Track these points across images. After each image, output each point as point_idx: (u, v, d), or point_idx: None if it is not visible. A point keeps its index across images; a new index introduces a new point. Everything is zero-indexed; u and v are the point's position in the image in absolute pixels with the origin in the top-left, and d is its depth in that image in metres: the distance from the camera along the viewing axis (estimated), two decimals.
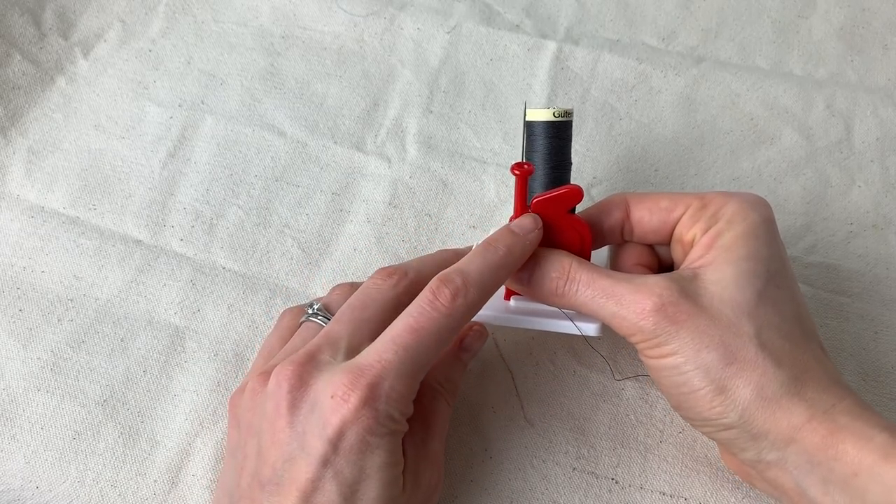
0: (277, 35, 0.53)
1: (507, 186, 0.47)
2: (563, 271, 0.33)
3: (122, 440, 0.38)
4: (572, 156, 0.38)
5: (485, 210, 0.46)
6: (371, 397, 0.29)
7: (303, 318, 0.37)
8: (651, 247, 0.37)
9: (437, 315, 0.31)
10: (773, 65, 0.52)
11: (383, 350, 0.30)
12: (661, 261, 0.38)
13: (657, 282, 0.31)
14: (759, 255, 0.32)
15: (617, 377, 0.39)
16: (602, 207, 0.36)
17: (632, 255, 0.37)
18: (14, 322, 0.41)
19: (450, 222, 0.45)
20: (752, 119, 0.50)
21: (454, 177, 0.47)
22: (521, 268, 0.34)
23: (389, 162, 0.48)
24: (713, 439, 0.34)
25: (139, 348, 0.41)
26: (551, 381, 0.40)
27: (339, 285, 0.38)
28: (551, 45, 0.52)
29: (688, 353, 0.30)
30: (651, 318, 0.31)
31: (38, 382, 0.39)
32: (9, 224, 0.45)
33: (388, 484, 0.30)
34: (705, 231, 0.33)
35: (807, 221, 0.46)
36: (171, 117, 0.49)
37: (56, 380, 0.39)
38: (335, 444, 0.29)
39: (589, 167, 0.48)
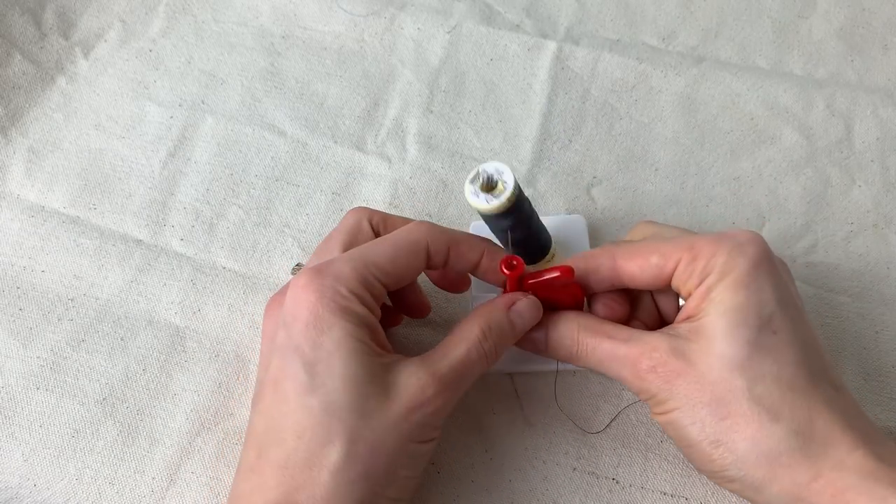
0: (278, 35, 0.53)
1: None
2: (573, 339, 0.34)
3: (121, 438, 0.38)
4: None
5: None
6: (317, 277, 0.31)
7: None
8: (624, 294, 0.37)
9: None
10: (773, 65, 0.52)
11: (337, 257, 0.33)
12: (638, 307, 0.37)
13: (651, 341, 0.32)
14: (748, 303, 0.31)
15: (591, 432, 0.39)
16: (588, 262, 0.35)
17: (602, 310, 0.36)
18: (14, 321, 0.41)
19: (450, 222, 0.45)
20: (752, 119, 0.50)
21: (454, 177, 0.47)
22: (535, 331, 0.35)
23: (390, 162, 0.48)
24: (726, 489, 0.34)
25: (139, 347, 0.41)
26: (551, 382, 0.40)
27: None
28: (551, 45, 0.52)
29: (684, 409, 0.31)
30: (647, 379, 0.32)
31: (37, 381, 0.39)
32: (9, 224, 0.45)
33: (348, 360, 0.30)
34: (698, 285, 0.33)
35: (807, 221, 0.46)
36: (172, 117, 0.49)
37: (55, 378, 0.39)
38: (291, 326, 0.31)
39: (589, 167, 0.48)
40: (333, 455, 0.29)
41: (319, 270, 0.31)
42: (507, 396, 0.39)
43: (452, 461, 0.37)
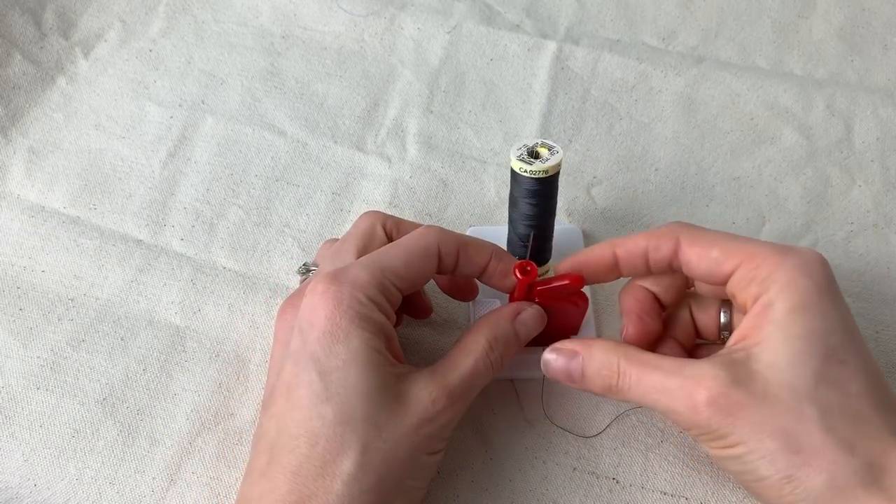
0: (278, 35, 0.53)
1: (507, 186, 0.47)
2: (612, 369, 0.32)
3: (122, 438, 0.38)
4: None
5: (485, 210, 0.46)
6: (335, 284, 0.31)
7: (302, 278, 0.39)
8: (658, 309, 0.36)
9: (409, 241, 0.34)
10: (773, 65, 0.52)
11: (353, 263, 0.33)
12: (674, 324, 0.37)
13: (707, 371, 0.30)
14: (813, 330, 0.30)
15: (588, 436, 0.38)
16: (651, 239, 0.34)
17: (634, 323, 0.35)
18: (14, 321, 0.41)
19: (450, 222, 0.45)
20: (752, 119, 0.50)
21: (454, 177, 0.47)
22: (570, 361, 0.34)
23: (390, 162, 0.48)
24: None
25: (139, 347, 0.41)
26: (551, 382, 0.40)
27: (326, 242, 0.40)
28: (551, 45, 0.52)
29: (750, 443, 0.29)
30: (704, 413, 0.29)
31: (37, 381, 0.39)
32: (9, 224, 0.45)
33: (364, 370, 0.30)
34: (756, 299, 0.31)
35: (807, 221, 0.46)
36: (172, 117, 0.49)
37: (56, 378, 0.39)
38: (307, 333, 0.31)
39: (589, 167, 0.48)
40: (347, 464, 0.29)
41: (336, 277, 0.31)
42: (508, 396, 0.39)
43: (452, 461, 0.37)
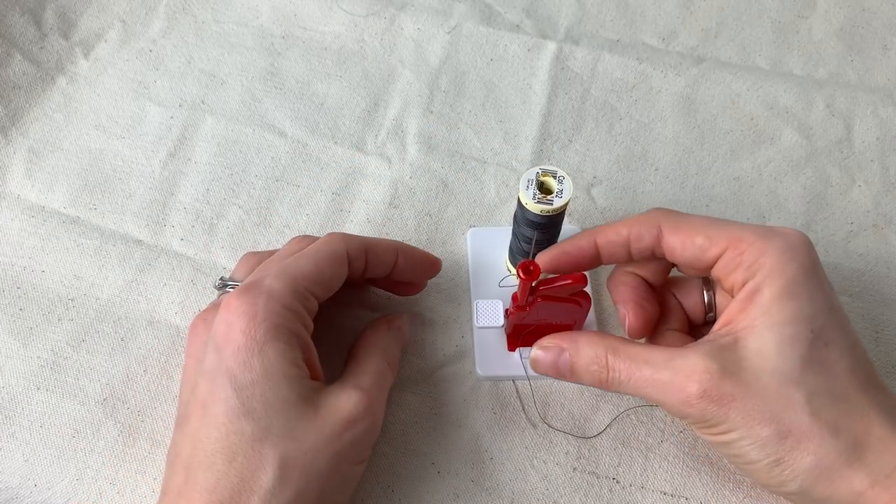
0: (278, 35, 0.53)
1: (508, 187, 0.47)
2: (601, 364, 0.33)
3: (122, 439, 0.38)
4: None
5: (485, 210, 0.46)
6: (249, 296, 0.31)
7: (220, 293, 0.38)
8: (654, 296, 0.36)
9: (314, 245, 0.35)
10: (773, 65, 0.52)
11: (266, 269, 0.33)
12: (670, 316, 0.37)
13: (696, 363, 0.30)
14: (801, 315, 0.30)
15: (588, 436, 0.39)
16: (633, 228, 0.34)
17: (634, 312, 0.35)
18: (14, 321, 0.41)
19: (450, 222, 0.45)
20: (752, 119, 0.50)
21: (454, 177, 0.47)
22: (558, 357, 0.34)
23: (390, 162, 0.48)
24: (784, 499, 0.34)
25: (139, 348, 0.41)
26: (551, 382, 0.40)
27: (245, 255, 0.39)
28: (551, 45, 0.52)
29: (741, 430, 0.30)
30: (696, 405, 0.30)
31: (37, 381, 0.39)
32: (9, 224, 0.45)
33: (281, 384, 0.30)
34: (743, 284, 0.31)
35: (807, 221, 0.46)
36: (172, 117, 0.49)
37: (56, 378, 0.39)
38: (222, 349, 0.30)
39: (589, 167, 0.48)
40: (265, 479, 0.29)
41: (250, 289, 0.31)
42: (508, 396, 0.39)
43: (452, 461, 0.37)
